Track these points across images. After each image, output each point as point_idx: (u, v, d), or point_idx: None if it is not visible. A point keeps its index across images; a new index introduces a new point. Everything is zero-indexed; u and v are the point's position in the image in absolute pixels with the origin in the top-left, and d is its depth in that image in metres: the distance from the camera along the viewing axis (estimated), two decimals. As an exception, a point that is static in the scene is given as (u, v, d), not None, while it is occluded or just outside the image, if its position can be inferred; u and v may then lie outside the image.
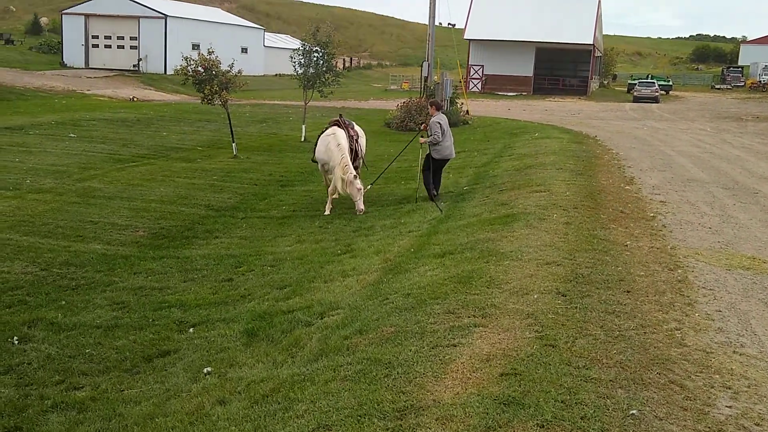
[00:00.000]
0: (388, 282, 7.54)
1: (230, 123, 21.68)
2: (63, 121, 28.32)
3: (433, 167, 13.66)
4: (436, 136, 13.14)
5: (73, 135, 24.37)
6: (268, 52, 70.66)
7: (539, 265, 7.17)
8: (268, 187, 16.64)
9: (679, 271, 7.36)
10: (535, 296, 6.12)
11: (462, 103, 35.41)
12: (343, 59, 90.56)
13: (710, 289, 6.81)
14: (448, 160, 13.91)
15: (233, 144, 21.36)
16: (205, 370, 6.15)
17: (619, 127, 29.45)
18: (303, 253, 10.28)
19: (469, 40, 59.89)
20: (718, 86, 77.10)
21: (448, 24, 49.79)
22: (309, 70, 25.36)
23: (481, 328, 5.42)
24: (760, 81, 73.97)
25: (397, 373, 4.79)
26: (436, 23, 53.07)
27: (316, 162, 14.41)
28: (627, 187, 13.02)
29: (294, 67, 25.51)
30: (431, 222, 11.18)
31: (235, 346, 6.68)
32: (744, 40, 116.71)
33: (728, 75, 79.94)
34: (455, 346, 5.09)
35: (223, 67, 21.13)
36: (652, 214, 10.53)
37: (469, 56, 60.65)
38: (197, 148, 23.06)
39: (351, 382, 4.83)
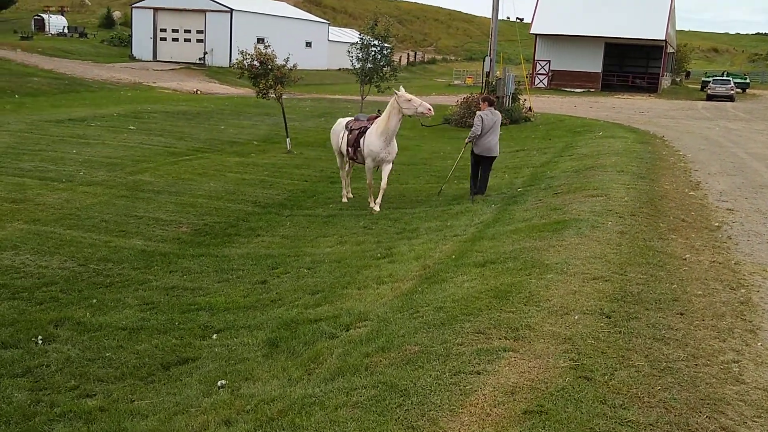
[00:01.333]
0: (422, 292, 7.08)
1: (284, 117, 21.50)
2: (125, 113, 28.77)
3: (474, 161, 13.70)
4: (474, 130, 13.23)
5: (132, 127, 24.63)
6: (332, 47, 70.77)
7: (585, 280, 6.60)
8: (318, 184, 16.34)
9: (743, 290, 6.67)
10: (576, 317, 5.57)
11: (525, 100, 34.50)
12: (407, 54, 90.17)
13: (776, 314, 6.13)
14: (492, 157, 13.65)
15: (287, 139, 21.17)
16: (219, 383, 5.82)
17: (689, 127, 28.17)
18: (342, 255, 9.90)
19: (536, 34, 58.57)
20: (799, 84, 73.65)
21: (517, 18, 48.98)
22: (366, 64, 25.03)
23: (511, 353, 4.92)
24: None
25: (412, 403, 4.34)
26: (503, 18, 52.12)
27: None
28: (692, 193, 12.21)
29: (351, 61, 25.20)
30: (478, 226, 10.66)
31: (255, 357, 6.34)
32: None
33: (811, 72, 76.26)
34: (479, 373, 4.61)
35: (279, 61, 20.93)
36: (716, 224, 9.76)
37: (535, 51, 59.34)
38: (253, 142, 22.97)
39: (361, 410, 4.41)
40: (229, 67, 28.05)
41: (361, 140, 13.15)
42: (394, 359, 5.19)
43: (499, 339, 5.20)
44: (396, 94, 12.51)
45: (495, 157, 13.82)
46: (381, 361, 5.23)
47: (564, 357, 4.79)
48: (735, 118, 34.58)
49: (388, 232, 11.27)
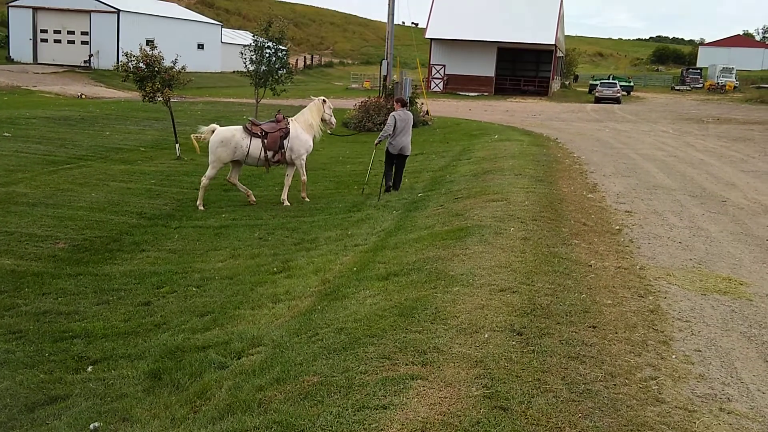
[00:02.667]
0: (321, 311, 6.56)
1: (173, 122, 20.48)
2: None
3: (388, 160, 14.29)
4: (386, 129, 14.01)
5: (8, 134, 22.85)
6: (225, 49, 69.08)
7: (492, 292, 6.25)
8: (210, 192, 15.47)
9: (650, 297, 6.51)
10: (486, 335, 5.19)
11: (422, 104, 34.51)
12: (304, 57, 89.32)
13: (686, 321, 5.96)
14: (404, 156, 14.36)
15: (176, 145, 20.15)
16: (92, 426, 5.10)
17: (580, 129, 28.87)
18: (235, 270, 9.24)
19: (431, 39, 59.12)
20: (677, 87, 77.63)
21: (412, 23, 49.23)
22: (261, 66, 24.25)
23: (419, 381, 4.47)
24: (717, 83, 74.67)
25: (309, 448, 3.82)
26: (399, 22, 52.21)
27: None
28: (590, 195, 12.22)
29: (245, 63, 24.36)
30: (380, 234, 10.23)
31: (135, 392, 5.63)
32: (702, 43, 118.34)
33: (687, 76, 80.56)
34: (385, 408, 4.13)
35: (167, 63, 19.89)
36: (617, 227, 9.71)
37: (430, 56, 59.89)
38: (140, 148, 21.76)
39: (251, 459, 3.85)
40: (113, 69, 26.57)
41: (285, 141, 13.82)
42: (291, 393, 4.64)
43: (406, 365, 4.74)
44: (323, 99, 14.45)
45: (407, 156, 14.58)
46: (276, 395, 4.67)
47: (477, 384, 4.38)
48: (623, 119, 35.82)
49: (285, 243, 10.68)
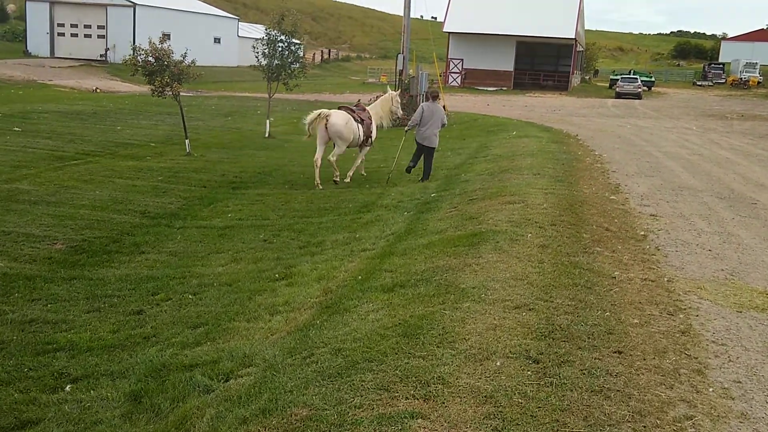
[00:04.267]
0: (320, 327, 6.02)
1: (183, 117, 20.03)
2: (11, 113, 26.52)
3: (418, 147, 14.93)
4: (414, 118, 14.80)
5: (18, 129, 22.57)
6: (242, 43, 68.68)
7: (506, 309, 5.69)
8: (218, 190, 15.04)
9: (681, 316, 5.91)
10: (498, 363, 4.64)
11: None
12: (321, 51, 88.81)
13: (722, 344, 5.37)
14: (430, 148, 14.82)
15: (186, 140, 19.71)
16: (59, 458, 4.62)
17: (601, 125, 28.13)
18: (235, 276, 8.73)
19: (449, 33, 58.40)
20: (699, 83, 76.26)
21: (431, 17, 48.50)
22: (273, 61, 23.73)
23: (420, 420, 3.93)
24: (741, 78, 73.23)
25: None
26: (417, 16, 51.51)
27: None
28: (612, 197, 11.60)
29: (257, 57, 23.85)
30: (389, 238, 9.68)
31: (111, 417, 5.14)
32: (724, 37, 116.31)
33: (709, 72, 79.10)
34: (380, 454, 3.60)
35: (176, 57, 19.44)
36: (642, 233, 9.09)
37: (448, 50, 59.16)
38: (150, 144, 21.38)
39: None
40: (121, 63, 26.21)
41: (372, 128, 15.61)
42: (277, 428, 4.12)
43: (407, 399, 4.20)
44: (392, 93, 16.05)
45: (434, 148, 14.91)
46: (260, 431, 4.15)
47: (486, 425, 3.83)
48: (644, 115, 34.98)
49: (290, 247, 10.17)
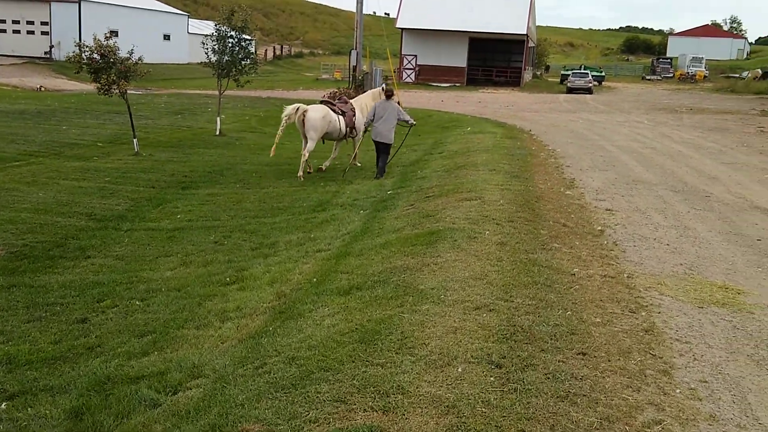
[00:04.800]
0: (273, 333, 5.76)
1: (131, 116, 19.43)
2: (-51, 113, 25.51)
3: (375, 148, 15.15)
4: (367, 116, 15.18)
5: (-44, 129, 21.69)
6: (193, 39, 67.43)
7: (467, 310, 5.50)
8: (167, 191, 14.58)
9: (643, 313, 5.81)
10: (460, 368, 4.44)
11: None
12: (274, 47, 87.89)
13: (686, 342, 5.27)
14: (384, 143, 14.84)
15: (134, 140, 19.13)
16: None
17: (554, 120, 28.29)
18: (184, 281, 8.39)
19: (402, 29, 58.26)
20: (648, 77, 77.71)
21: (384, 13, 48.33)
22: (224, 57, 23.22)
23: (379, 435, 3.71)
24: (688, 72, 74.80)
25: None
26: (370, 12, 51.28)
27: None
28: (568, 192, 11.54)
29: (207, 53, 23.31)
30: (345, 238, 9.43)
31: (50, 438, 4.81)
32: (671, 33, 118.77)
33: (658, 66, 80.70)
34: (337, 474, 3.37)
35: (123, 54, 18.85)
36: (599, 228, 9.02)
37: (401, 46, 59.04)
38: (97, 143, 20.70)
39: None
40: (66, 60, 25.41)
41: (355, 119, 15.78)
42: (226, 447, 3.86)
43: (365, 411, 3.97)
44: (382, 87, 16.01)
45: (388, 144, 14.91)
46: (208, 450, 3.88)
47: (449, 439, 3.63)
48: (596, 110, 35.33)
49: (242, 248, 9.85)
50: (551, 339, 4.99)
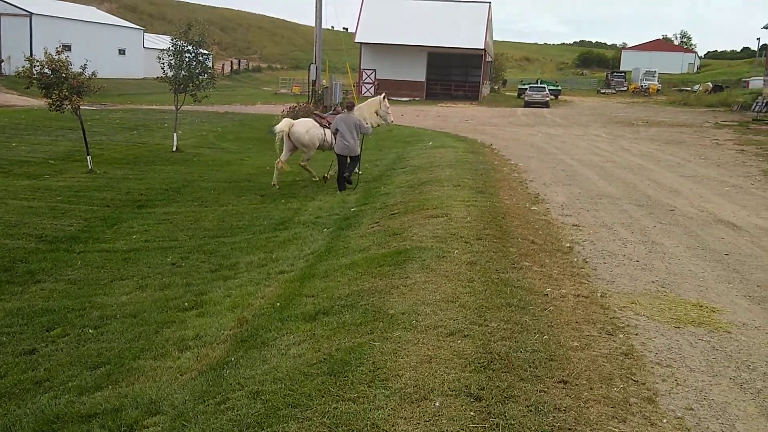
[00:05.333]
0: (235, 365, 5.43)
1: (84, 132, 18.87)
2: None
3: (339, 162, 15.01)
4: (331, 131, 15.12)
5: None
6: (149, 54, 66.49)
7: (440, 336, 5.26)
8: (122, 210, 14.11)
9: (621, 335, 5.63)
10: (437, 403, 4.18)
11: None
12: (231, 62, 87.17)
13: (667, 366, 5.10)
14: (345, 156, 14.80)
15: (88, 157, 18.56)
16: None
17: (513, 134, 28.39)
18: (140, 306, 8.00)
19: (361, 43, 58.21)
20: (603, 90, 78.97)
21: (343, 28, 48.14)
22: (180, 72, 22.76)
23: (354, 481, 3.43)
24: (641, 86, 76.25)
25: None
26: (328, 26, 51.13)
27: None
28: (533, 208, 11.42)
29: (162, 68, 22.83)
30: (308, 258, 9.13)
31: (-8, 487, 4.41)
32: (624, 47, 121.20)
33: (612, 80, 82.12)
34: None
35: (75, 69, 18.30)
36: (568, 245, 8.88)
37: (360, 60, 58.98)
38: (49, 161, 20.05)
39: None
40: (15, 75, 24.71)
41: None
42: (187, 497, 3.53)
43: (337, 454, 3.69)
44: (383, 96, 16.70)
45: (353, 156, 14.87)
46: (167, 501, 3.55)
47: (430, 483, 3.36)
48: (554, 123, 35.61)
49: (201, 270, 9.48)
50: (530, 367, 4.77)
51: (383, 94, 16.93)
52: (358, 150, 15.06)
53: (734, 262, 8.52)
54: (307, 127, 15.56)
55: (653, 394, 4.57)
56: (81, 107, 18.84)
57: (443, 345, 5.07)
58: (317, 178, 16.41)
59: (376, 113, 16.86)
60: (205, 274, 9.20)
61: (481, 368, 4.69)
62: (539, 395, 4.36)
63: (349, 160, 14.94)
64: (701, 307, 6.61)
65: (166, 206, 14.55)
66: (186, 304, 7.81)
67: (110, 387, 5.68)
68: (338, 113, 15.84)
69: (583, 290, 6.86)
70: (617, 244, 9.14)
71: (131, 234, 12.09)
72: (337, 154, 14.85)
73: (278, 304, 7.02)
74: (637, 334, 5.70)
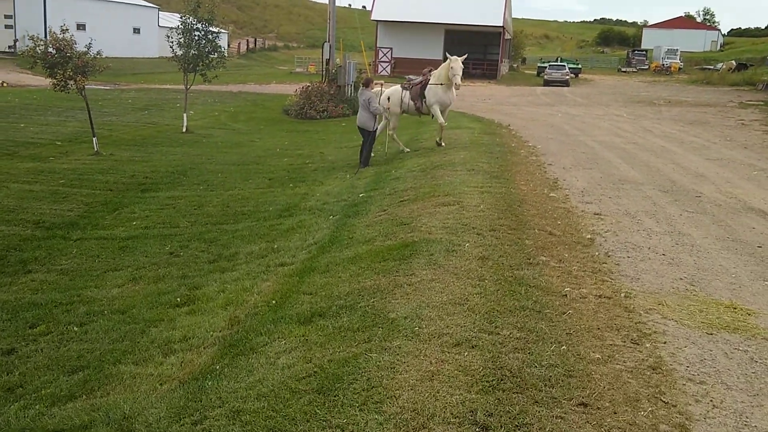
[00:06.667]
0: (219, 374, 4.93)
1: (89, 113, 18.40)
2: None
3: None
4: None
5: None
6: (163, 33, 65.89)
7: (445, 347, 4.71)
8: (125, 194, 13.66)
9: (648, 344, 5.05)
10: (438, 432, 3.64)
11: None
12: (247, 40, 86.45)
13: (700, 383, 4.52)
14: (363, 130, 15.13)
15: (94, 138, 18.12)
16: None
17: (532, 114, 27.61)
18: (130, 301, 7.52)
19: (377, 21, 57.31)
20: (624, 69, 77.46)
21: (361, 6, 47.33)
22: (190, 51, 22.22)
23: None
24: (663, 64, 74.70)
25: None
26: (345, 5, 50.30)
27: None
28: (552, 194, 10.79)
29: (171, 47, 22.30)
30: (311, 249, 8.60)
31: None
32: (645, 25, 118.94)
33: (633, 58, 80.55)
34: None
35: (80, 48, 17.83)
36: (588, 236, 8.27)
37: (376, 38, 58.10)
38: (56, 142, 19.64)
39: None
40: (20, 54, 24.28)
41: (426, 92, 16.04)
42: None
43: (318, 498, 3.18)
44: (455, 57, 15.60)
45: (368, 131, 15.06)
46: None
47: None
48: (574, 103, 34.72)
49: (199, 261, 8.99)
50: (545, 386, 4.21)
51: (455, 57, 16.29)
52: (371, 126, 15.07)
53: (768, 256, 7.89)
54: (388, 93, 16.19)
55: (686, 419, 4.00)
56: (94, 87, 18.48)
57: (448, 358, 4.52)
58: (407, 150, 16.51)
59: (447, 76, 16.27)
60: (203, 265, 8.71)
61: (490, 388, 4.13)
62: (556, 422, 3.80)
63: (363, 138, 15.25)
64: (735, 309, 6.01)
65: (171, 190, 14.09)
66: (178, 299, 7.32)
67: (84, 396, 5.21)
68: (427, 80, 16.14)
69: (605, 289, 6.27)
70: (642, 236, 8.52)
71: (131, 220, 11.63)
72: (358, 128, 15.34)
73: (274, 302, 6.51)
74: (665, 343, 5.12)
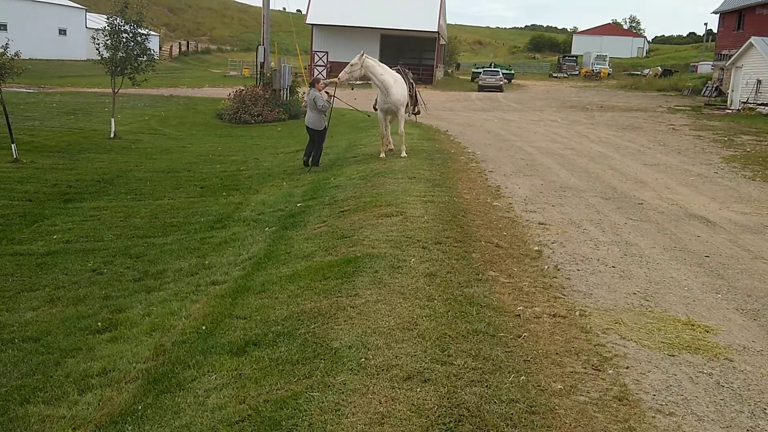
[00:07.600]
0: (141, 416, 4.37)
1: (7, 117, 17.32)
2: None
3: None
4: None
5: None
6: (91, 34, 63.90)
7: (395, 382, 4.27)
8: (46, 204, 12.79)
9: (610, 371, 4.73)
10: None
11: (304, 93, 32.22)
12: (179, 43, 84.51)
13: (669, 414, 4.20)
14: (311, 129, 15.22)
15: (13, 145, 17.06)
16: None
17: (468, 119, 27.54)
18: (46, 326, 6.84)
19: (312, 25, 56.69)
20: (555, 75, 78.78)
21: (296, 10, 46.62)
22: (117, 53, 21.26)
23: None
24: (593, 70, 76.25)
25: None
26: (279, 8, 49.50)
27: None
28: (495, 203, 10.51)
29: (97, 49, 21.29)
30: (245, 266, 8.06)
31: None
32: (575, 31, 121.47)
33: (564, 64, 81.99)
34: None
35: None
36: (536, 248, 7.98)
37: (312, 42, 57.48)
38: (-31, 150, 18.42)
39: None
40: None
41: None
42: None
43: None
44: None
45: (316, 130, 15.17)
46: None
47: None
48: (509, 108, 34.90)
49: (123, 279, 8.32)
50: (507, 425, 3.82)
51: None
52: (321, 125, 15.11)
53: (717, 266, 7.74)
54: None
55: (660, 460, 3.67)
56: (15, 89, 17.41)
57: (398, 395, 4.08)
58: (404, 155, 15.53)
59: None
60: (127, 284, 8.05)
61: (447, 431, 3.71)
62: (522, 471, 3.41)
63: (311, 137, 15.39)
64: (693, 326, 5.77)
65: (96, 200, 13.27)
66: (99, 324, 6.67)
67: (-16, 447, 4.57)
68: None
69: (558, 308, 5.95)
70: (589, 246, 8.28)
71: (52, 233, 10.83)
72: (306, 128, 15.42)
73: (204, 327, 5.96)
74: (627, 368, 4.80)
